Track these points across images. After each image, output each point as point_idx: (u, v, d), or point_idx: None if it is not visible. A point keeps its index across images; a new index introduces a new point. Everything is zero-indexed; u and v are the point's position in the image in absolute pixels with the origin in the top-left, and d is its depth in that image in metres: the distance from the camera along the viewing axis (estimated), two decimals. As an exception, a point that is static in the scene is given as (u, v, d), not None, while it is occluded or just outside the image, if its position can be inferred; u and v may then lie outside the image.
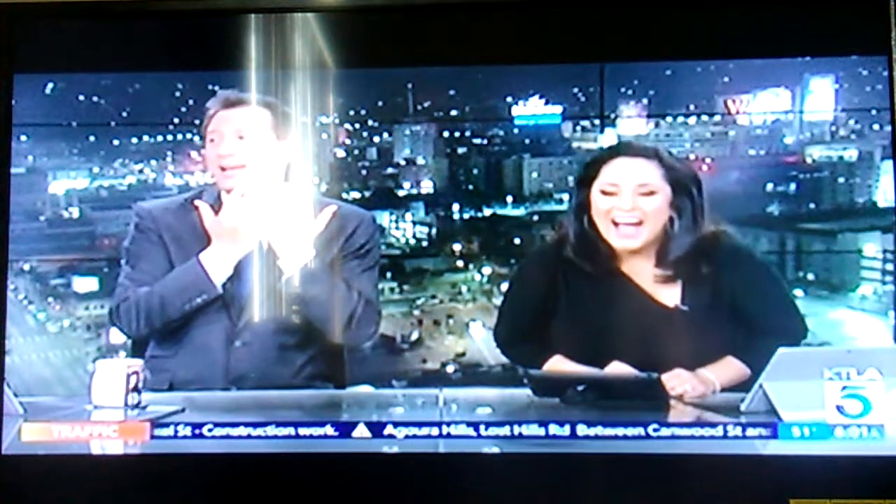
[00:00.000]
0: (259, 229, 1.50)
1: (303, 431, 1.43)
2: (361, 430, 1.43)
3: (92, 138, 1.58)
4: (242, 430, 1.43)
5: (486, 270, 1.56)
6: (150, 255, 1.52)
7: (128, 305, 1.50)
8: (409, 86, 1.57)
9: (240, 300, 1.51)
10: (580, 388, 1.43)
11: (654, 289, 1.47)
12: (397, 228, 1.60)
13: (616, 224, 1.45)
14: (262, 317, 1.51)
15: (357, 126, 1.59)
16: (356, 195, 1.58)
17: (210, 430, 1.43)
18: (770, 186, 1.54)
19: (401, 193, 1.61)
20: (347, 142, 1.60)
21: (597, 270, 1.47)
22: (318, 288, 1.50)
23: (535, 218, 1.58)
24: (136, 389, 1.45)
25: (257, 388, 1.49)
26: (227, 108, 1.52)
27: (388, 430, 1.43)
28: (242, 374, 1.50)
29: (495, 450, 1.42)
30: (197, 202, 1.52)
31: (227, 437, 1.43)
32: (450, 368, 1.55)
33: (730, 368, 1.43)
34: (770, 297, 1.46)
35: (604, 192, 1.46)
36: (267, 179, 1.52)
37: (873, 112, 1.50)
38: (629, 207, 1.44)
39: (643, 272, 1.47)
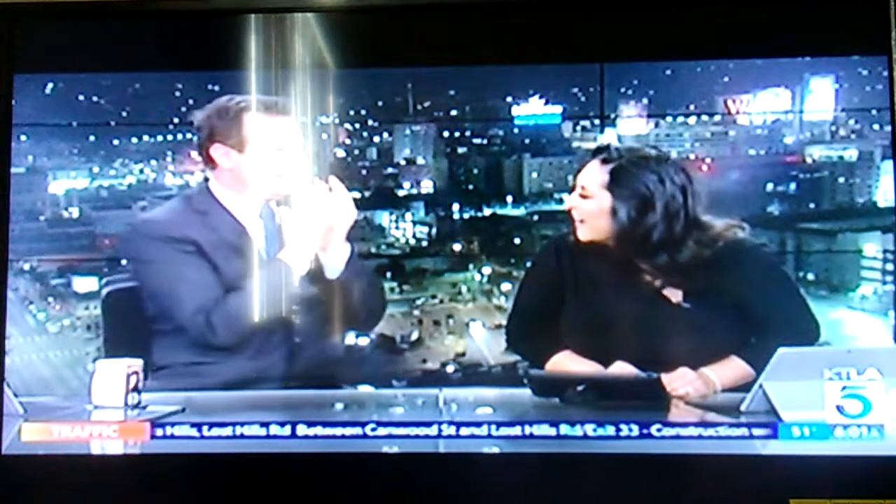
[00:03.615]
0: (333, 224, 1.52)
1: (304, 431, 1.43)
2: None
3: (92, 138, 1.58)
4: (242, 430, 1.43)
5: (486, 270, 1.56)
6: (193, 267, 1.50)
7: (223, 313, 1.48)
8: (409, 86, 1.57)
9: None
10: (580, 388, 1.43)
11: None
12: (397, 228, 1.60)
13: (571, 216, 1.50)
14: (314, 314, 1.52)
15: (357, 126, 1.59)
16: (356, 195, 1.58)
17: (210, 430, 1.43)
18: (770, 186, 1.54)
19: (401, 193, 1.61)
20: (347, 142, 1.60)
21: (600, 258, 1.48)
22: (360, 279, 1.52)
23: (535, 218, 1.58)
24: (136, 389, 1.45)
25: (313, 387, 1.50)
26: (268, 114, 1.52)
27: None
28: (300, 372, 1.50)
29: (495, 450, 1.42)
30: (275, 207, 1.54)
31: (227, 437, 1.43)
32: (450, 368, 1.55)
33: (732, 368, 1.43)
34: (782, 301, 1.46)
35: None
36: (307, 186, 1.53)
37: (873, 112, 1.50)
38: (568, 205, 1.50)
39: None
